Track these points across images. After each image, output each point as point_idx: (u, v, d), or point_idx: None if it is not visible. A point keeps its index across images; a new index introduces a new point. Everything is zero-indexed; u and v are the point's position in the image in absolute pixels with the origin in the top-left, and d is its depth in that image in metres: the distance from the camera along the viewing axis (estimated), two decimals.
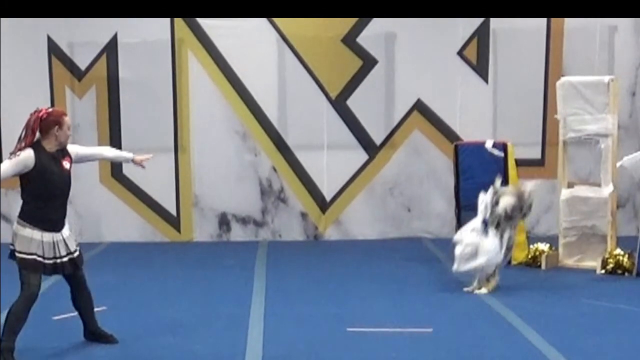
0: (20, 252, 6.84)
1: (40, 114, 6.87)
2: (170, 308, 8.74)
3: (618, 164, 10.49)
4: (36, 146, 6.82)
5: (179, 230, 13.41)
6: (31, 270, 6.86)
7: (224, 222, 13.40)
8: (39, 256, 6.86)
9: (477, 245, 9.26)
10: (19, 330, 6.86)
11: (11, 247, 6.91)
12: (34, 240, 6.84)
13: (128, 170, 13.20)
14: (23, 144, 6.80)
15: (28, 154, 6.76)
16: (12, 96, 12.77)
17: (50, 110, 7.03)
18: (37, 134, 6.83)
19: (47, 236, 6.89)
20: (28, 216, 6.86)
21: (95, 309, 7.75)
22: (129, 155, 7.78)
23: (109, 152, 7.86)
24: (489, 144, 11.10)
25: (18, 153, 6.77)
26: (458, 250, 9.33)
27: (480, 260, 9.20)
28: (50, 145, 6.89)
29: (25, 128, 6.86)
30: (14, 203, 12.42)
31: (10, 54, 12.96)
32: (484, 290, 9.27)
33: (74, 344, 7.23)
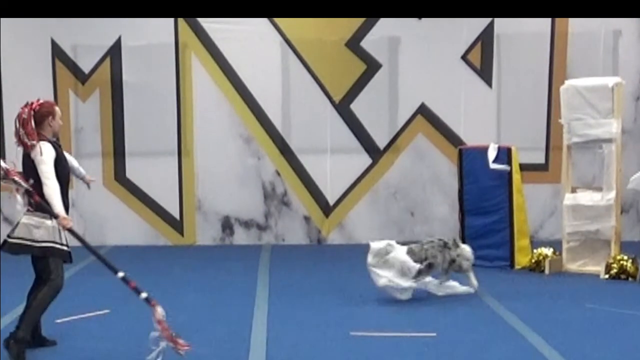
0: (51, 243, 6.84)
1: (32, 106, 6.94)
2: (173, 311, 8.70)
3: (628, 187, 10.53)
4: (42, 137, 6.86)
5: (182, 234, 13.41)
6: (63, 260, 6.93)
7: (227, 225, 13.40)
8: (68, 246, 6.94)
9: (391, 246, 9.15)
10: (35, 322, 6.86)
11: (41, 244, 6.84)
12: (61, 230, 6.89)
13: (131, 173, 13.22)
14: (29, 137, 6.81)
15: (48, 146, 6.86)
16: (16, 99, 12.66)
17: (41, 102, 7.07)
18: (33, 126, 6.85)
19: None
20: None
21: (99, 312, 7.76)
22: (84, 172, 7.81)
23: (74, 162, 7.78)
24: (491, 153, 11.06)
25: (26, 149, 6.85)
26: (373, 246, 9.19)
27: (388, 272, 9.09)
28: (47, 136, 6.95)
29: (18, 121, 6.89)
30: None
31: (14, 56, 13.00)
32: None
33: (78, 347, 7.21)
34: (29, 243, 6.86)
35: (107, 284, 9.30)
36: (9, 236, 6.99)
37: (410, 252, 9.17)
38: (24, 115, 6.87)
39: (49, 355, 7.15)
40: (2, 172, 6.74)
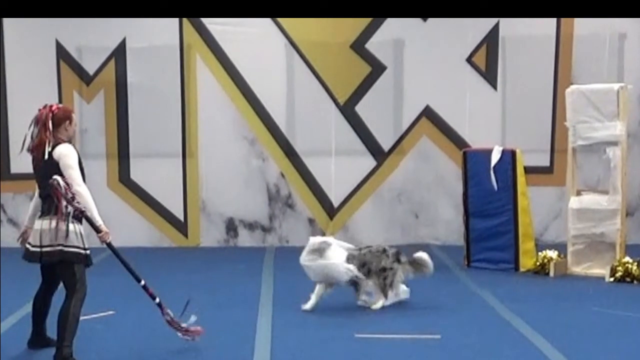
0: (76, 248, 6.81)
1: (52, 108, 6.95)
2: (178, 313, 8.71)
3: None
4: (60, 140, 6.85)
5: (186, 235, 13.41)
6: (85, 266, 6.92)
7: (231, 227, 13.40)
8: (88, 249, 6.93)
9: (328, 246, 8.87)
10: (75, 334, 6.84)
11: (69, 249, 6.79)
12: (83, 235, 6.87)
13: (135, 175, 13.22)
14: (45, 139, 6.80)
15: (72, 149, 6.85)
16: (21, 100, 12.80)
17: (60, 105, 7.13)
18: (51, 128, 6.85)
19: (82, 228, 6.91)
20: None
21: (103, 314, 7.71)
22: None
23: None
24: (495, 156, 11.07)
25: (41, 149, 6.81)
26: (311, 241, 8.98)
27: (321, 261, 8.81)
28: (64, 139, 6.93)
29: (36, 123, 6.89)
30: (22, 207, 12.47)
31: (19, 58, 13.03)
32: (379, 304, 8.89)
33: (84, 348, 7.19)
34: (59, 249, 6.77)
35: (112, 285, 9.31)
36: (32, 245, 6.88)
37: (350, 259, 8.84)
38: (43, 117, 6.87)
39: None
40: (62, 189, 6.70)
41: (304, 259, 8.90)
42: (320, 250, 8.84)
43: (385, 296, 8.97)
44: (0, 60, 13.07)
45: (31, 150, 6.90)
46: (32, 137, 6.89)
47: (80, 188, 6.74)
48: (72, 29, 12.95)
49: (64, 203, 6.68)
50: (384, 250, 9.08)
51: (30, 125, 6.91)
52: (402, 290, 9.17)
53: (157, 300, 7.32)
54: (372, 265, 8.94)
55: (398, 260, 9.09)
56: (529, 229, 11.22)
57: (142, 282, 7.24)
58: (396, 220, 13.33)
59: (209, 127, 13.21)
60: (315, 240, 9.00)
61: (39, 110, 6.92)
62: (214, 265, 11.86)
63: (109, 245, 6.97)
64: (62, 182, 6.68)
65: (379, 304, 8.94)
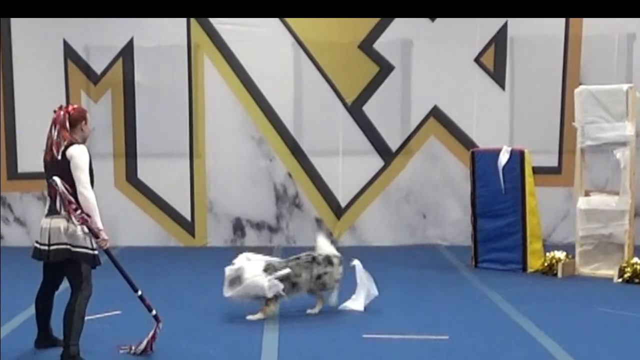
0: (85, 249, 6.82)
1: (68, 109, 6.99)
2: (185, 313, 8.72)
3: None
4: (75, 141, 6.87)
5: (193, 235, 13.41)
6: (93, 266, 6.92)
7: (238, 227, 13.39)
8: (96, 249, 6.93)
9: (242, 269, 8.58)
10: (80, 332, 6.85)
11: (76, 249, 6.80)
12: (90, 235, 6.85)
13: (143, 174, 13.22)
14: (62, 139, 6.83)
15: (85, 150, 6.87)
16: (28, 99, 12.82)
17: (75, 106, 7.17)
18: (68, 128, 6.88)
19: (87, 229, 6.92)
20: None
21: (110, 313, 7.68)
22: None
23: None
24: (504, 157, 11.06)
25: (60, 150, 6.82)
26: (226, 273, 8.65)
27: (243, 285, 8.50)
28: (78, 140, 6.95)
29: (54, 124, 6.91)
30: (29, 206, 12.48)
31: (27, 57, 13.04)
32: (258, 316, 8.53)
33: (89, 349, 7.18)
34: (66, 248, 6.78)
35: (117, 285, 9.29)
36: (40, 243, 6.89)
37: (270, 269, 8.60)
38: (61, 118, 6.89)
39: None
40: (60, 190, 6.70)
41: (229, 293, 8.54)
42: (238, 277, 8.54)
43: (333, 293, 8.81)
44: (8, 60, 13.08)
45: (49, 150, 6.90)
46: (49, 139, 6.90)
47: (85, 191, 6.74)
48: (79, 29, 12.95)
49: (68, 203, 6.69)
50: (314, 259, 8.82)
51: (50, 128, 6.92)
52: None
53: (154, 312, 7.28)
54: (300, 279, 8.66)
55: (331, 263, 8.86)
56: (537, 230, 11.20)
57: (139, 293, 7.20)
58: (404, 221, 13.31)
59: (217, 127, 13.21)
60: (229, 270, 8.66)
61: (55, 112, 6.95)
62: (221, 265, 11.79)
63: (107, 252, 6.95)
64: (60, 183, 6.69)
65: (317, 308, 8.78)
